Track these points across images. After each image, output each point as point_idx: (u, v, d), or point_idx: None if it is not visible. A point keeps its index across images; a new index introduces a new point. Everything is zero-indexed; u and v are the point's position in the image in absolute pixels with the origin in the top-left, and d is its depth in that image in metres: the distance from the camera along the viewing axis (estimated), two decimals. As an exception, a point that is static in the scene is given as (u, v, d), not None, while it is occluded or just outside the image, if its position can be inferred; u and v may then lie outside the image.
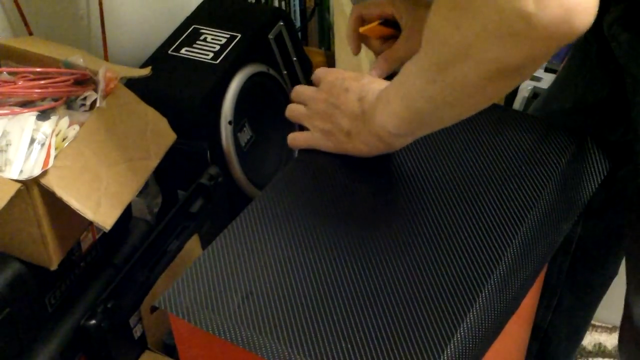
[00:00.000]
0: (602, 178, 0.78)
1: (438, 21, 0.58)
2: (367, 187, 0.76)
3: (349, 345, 0.61)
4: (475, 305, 0.64)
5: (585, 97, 0.88)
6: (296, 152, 0.95)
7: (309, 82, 0.85)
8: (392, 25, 0.89)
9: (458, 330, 0.62)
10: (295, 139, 0.82)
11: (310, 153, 0.81)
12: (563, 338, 1.13)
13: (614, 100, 0.83)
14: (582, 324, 1.14)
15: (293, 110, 0.82)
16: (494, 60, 0.55)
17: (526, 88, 1.37)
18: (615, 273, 1.04)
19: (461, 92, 0.60)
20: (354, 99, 0.75)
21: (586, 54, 0.87)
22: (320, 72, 0.82)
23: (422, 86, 0.63)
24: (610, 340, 1.45)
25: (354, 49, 0.92)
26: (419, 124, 0.69)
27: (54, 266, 0.98)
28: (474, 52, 0.55)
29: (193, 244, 1.20)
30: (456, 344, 0.61)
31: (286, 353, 0.61)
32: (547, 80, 1.37)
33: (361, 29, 0.89)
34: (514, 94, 1.39)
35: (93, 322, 1.04)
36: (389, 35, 0.90)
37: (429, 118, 0.67)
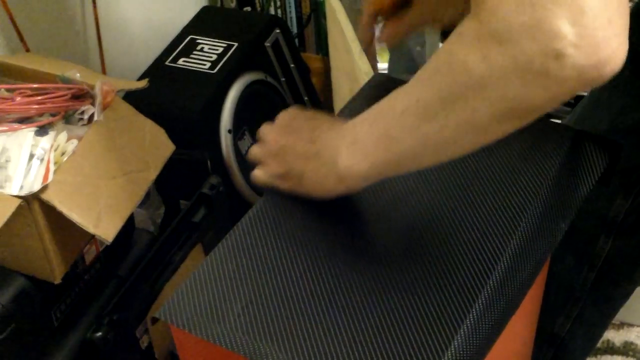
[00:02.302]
0: (600, 175, 0.78)
1: (460, 49, 0.53)
2: (367, 190, 0.76)
3: (350, 352, 0.61)
4: (476, 305, 0.64)
5: (620, 118, 0.86)
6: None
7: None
8: None
9: (459, 331, 0.62)
10: (256, 176, 0.76)
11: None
12: (579, 345, 1.13)
13: None
14: (600, 332, 1.14)
15: (250, 152, 0.77)
16: (513, 98, 0.52)
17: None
18: (638, 284, 1.04)
19: (464, 131, 0.56)
20: (306, 139, 0.70)
21: (619, 73, 0.86)
22: (280, 115, 0.77)
23: (416, 123, 0.58)
24: (619, 337, 1.44)
25: (364, 37, 0.86)
26: (396, 166, 0.63)
27: (57, 280, 0.98)
28: (493, 88, 0.52)
29: (196, 254, 1.20)
30: (458, 344, 0.61)
31: (287, 360, 0.61)
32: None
33: None
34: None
35: (99, 334, 1.04)
36: (402, 2, 0.85)
37: (412, 160, 0.61)
